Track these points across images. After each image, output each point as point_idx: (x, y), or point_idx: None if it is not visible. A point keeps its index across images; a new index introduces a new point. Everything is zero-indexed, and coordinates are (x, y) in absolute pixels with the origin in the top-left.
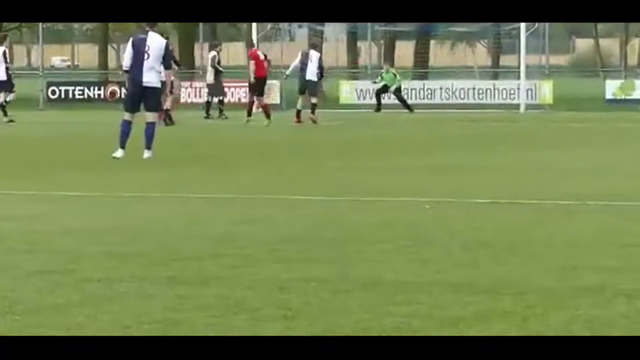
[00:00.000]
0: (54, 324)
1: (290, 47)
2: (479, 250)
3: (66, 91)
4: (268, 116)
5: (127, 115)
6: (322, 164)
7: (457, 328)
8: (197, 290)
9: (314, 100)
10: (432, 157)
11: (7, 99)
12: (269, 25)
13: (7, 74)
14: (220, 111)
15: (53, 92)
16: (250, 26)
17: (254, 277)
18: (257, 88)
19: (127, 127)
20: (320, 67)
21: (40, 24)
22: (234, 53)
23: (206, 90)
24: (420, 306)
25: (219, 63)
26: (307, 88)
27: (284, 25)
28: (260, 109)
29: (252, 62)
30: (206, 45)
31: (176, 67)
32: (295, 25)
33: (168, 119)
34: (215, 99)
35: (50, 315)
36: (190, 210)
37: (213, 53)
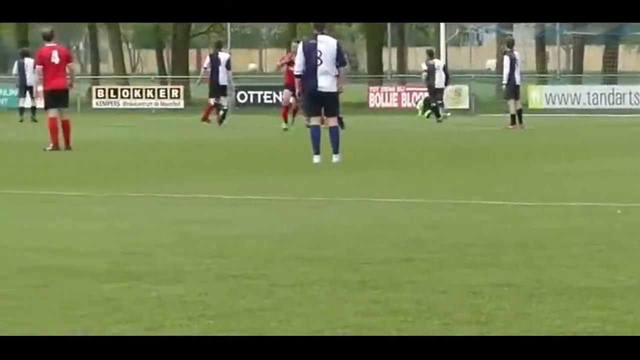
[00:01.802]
0: (246, 328)
1: (478, 51)
2: None
3: (255, 96)
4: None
5: (312, 120)
6: (507, 168)
7: None
8: (389, 295)
9: (520, 105)
10: (620, 162)
11: (224, 104)
12: (457, 29)
13: (228, 79)
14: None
15: (242, 97)
16: (439, 30)
17: (446, 281)
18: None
19: (315, 131)
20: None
21: (229, 28)
22: (420, 58)
23: (424, 93)
24: (613, 311)
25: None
26: (517, 93)
27: (472, 30)
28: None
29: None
30: (394, 50)
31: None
32: (482, 29)
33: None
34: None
35: (243, 319)
36: (379, 214)
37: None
